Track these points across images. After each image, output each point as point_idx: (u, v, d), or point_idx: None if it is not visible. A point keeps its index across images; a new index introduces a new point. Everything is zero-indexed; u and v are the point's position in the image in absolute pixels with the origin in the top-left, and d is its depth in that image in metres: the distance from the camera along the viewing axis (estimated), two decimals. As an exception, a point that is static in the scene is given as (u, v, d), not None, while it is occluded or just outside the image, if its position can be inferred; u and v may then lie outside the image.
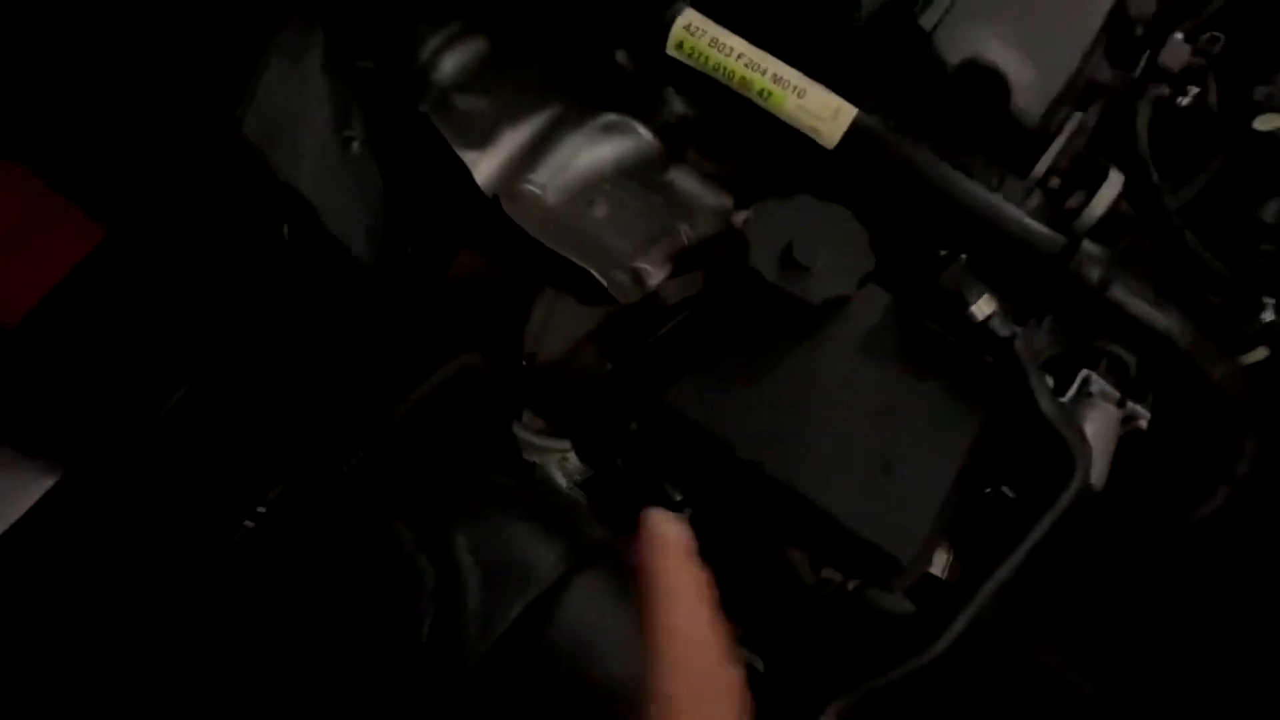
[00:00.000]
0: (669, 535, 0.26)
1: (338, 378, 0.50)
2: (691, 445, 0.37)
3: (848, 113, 0.43)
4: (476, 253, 0.63)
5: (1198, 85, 0.50)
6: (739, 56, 0.44)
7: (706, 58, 0.45)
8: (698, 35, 0.45)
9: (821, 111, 0.43)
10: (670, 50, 0.47)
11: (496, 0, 0.60)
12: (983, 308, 0.37)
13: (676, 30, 0.46)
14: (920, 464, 0.35)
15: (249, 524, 0.32)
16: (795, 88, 0.43)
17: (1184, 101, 0.49)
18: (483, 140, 0.56)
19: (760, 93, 0.44)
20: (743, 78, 0.44)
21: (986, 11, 0.44)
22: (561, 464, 0.59)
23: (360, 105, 0.67)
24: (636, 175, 0.57)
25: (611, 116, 0.57)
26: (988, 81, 0.42)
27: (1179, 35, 0.52)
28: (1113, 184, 0.42)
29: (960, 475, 0.36)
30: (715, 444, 0.37)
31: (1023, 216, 0.41)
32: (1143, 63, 0.51)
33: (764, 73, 0.44)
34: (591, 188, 0.56)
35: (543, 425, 0.59)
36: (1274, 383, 0.43)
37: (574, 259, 0.50)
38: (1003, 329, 0.37)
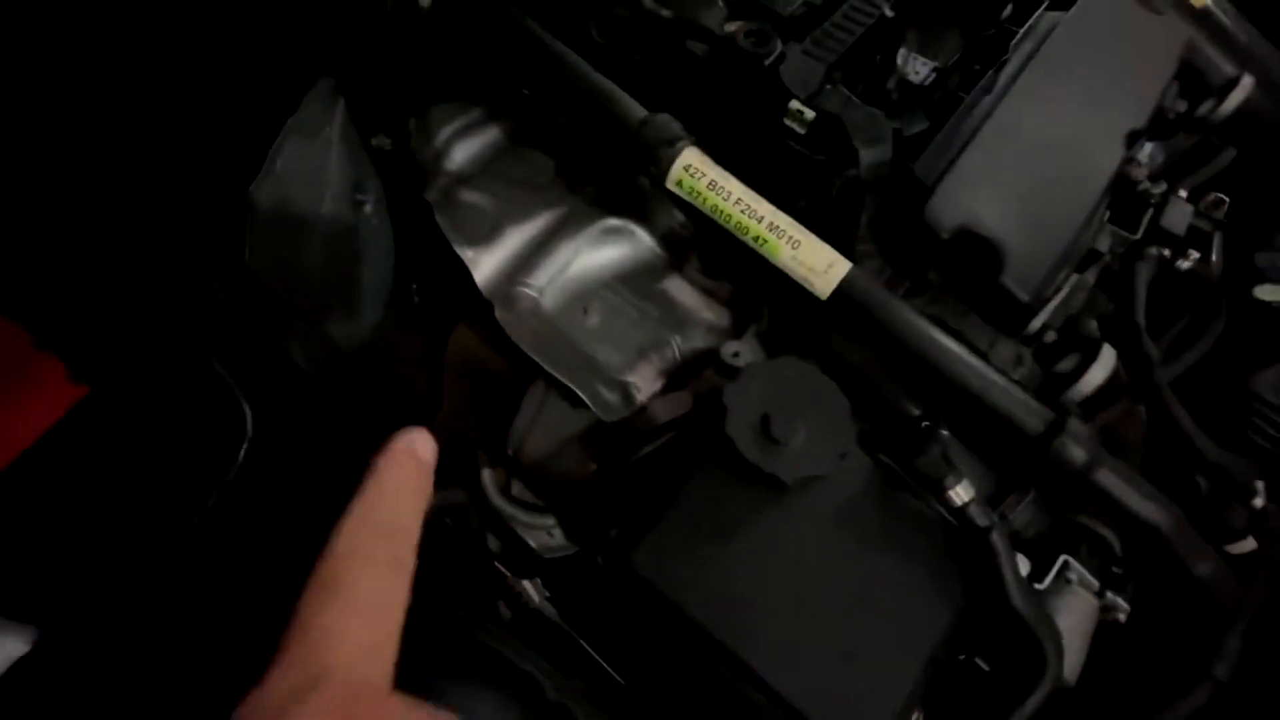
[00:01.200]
0: (411, 444, 0.26)
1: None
2: (655, 609, 0.37)
3: (840, 268, 0.43)
4: (474, 331, 0.64)
5: (1199, 249, 0.50)
6: (736, 201, 0.45)
7: (704, 199, 0.45)
8: (696, 177, 0.46)
9: (815, 264, 0.43)
10: (669, 186, 0.47)
11: (518, 97, 0.61)
12: (960, 494, 0.37)
13: (676, 170, 0.46)
14: (885, 656, 0.34)
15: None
16: (790, 238, 0.43)
17: (1185, 265, 0.49)
18: (485, 237, 0.57)
19: (755, 239, 0.44)
20: (738, 222, 0.45)
21: (985, 173, 0.44)
22: (546, 538, 0.59)
23: (374, 173, 0.68)
24: (634, 282, 0.57)
25: (615, 221, 0.57)
26: (982, 250, 0.42)
27: (1183, 194, 0.52)
28: (1103, 364, 0.42)
29: (928, 666, 0.35)
30: (678, 614, 0.36)
31: (1009, 388, 0.41)
32: (1145, 222, 0.51)
33: (760, 220, 0.44)
34: (588, 293, 0.56)
35: (531, 498, 0.59)
36: (1262, 572, 0.42)
37: (562, 378, 0.50)
38: (980, 518, 0.36)
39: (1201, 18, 0.58)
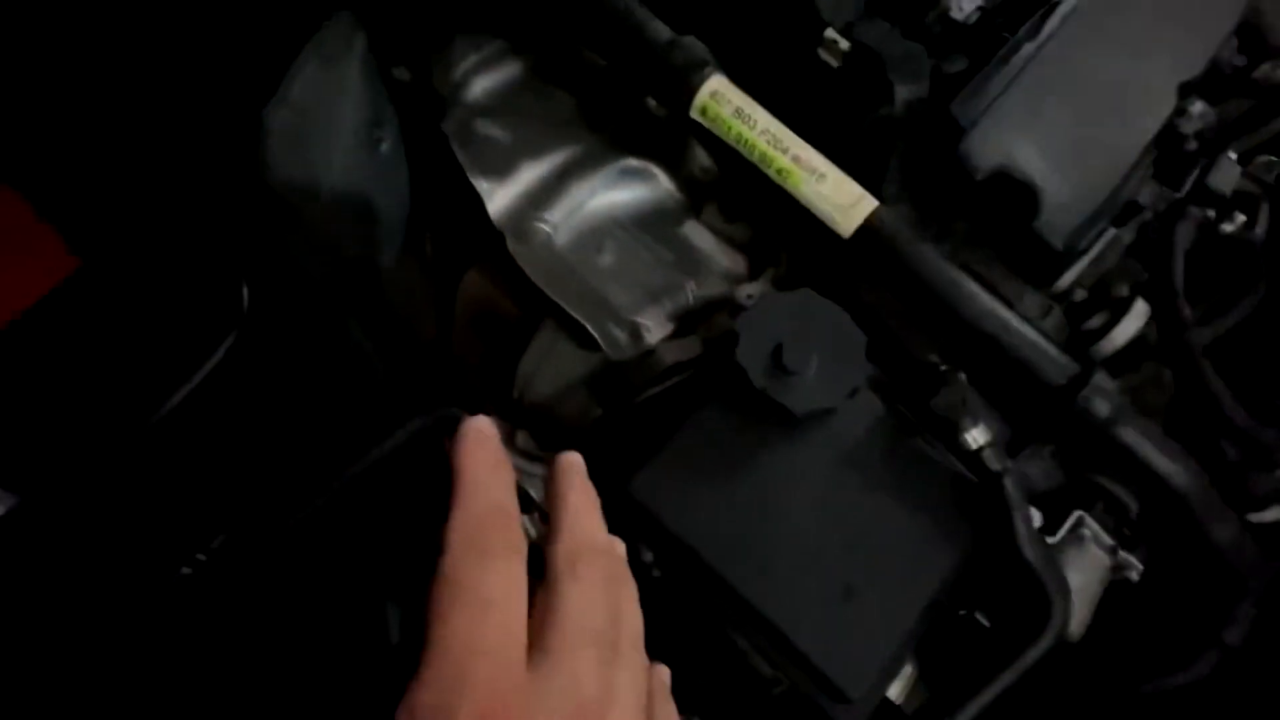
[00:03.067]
0: (479, 428, 0.28)
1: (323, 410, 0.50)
2: (653, 533, 0.36)
3: (867, 204, 0.41)
4: (485, 274, 0.63)
5: (1246, 213, 0.47)
6: (762, 131, 0.43)
7: (729, 127, 0.44)
8: (722, 103, 0.44)
9: (840, 199, 0.41)
10: (694, 114, 0.45)
11: (541, 29, 0.59)
12: (976, 437, 0.35)
13: (701, 95, 0.44)
14: (885, 595, 0.33)
15: (186, 570, 0.32)
16: (816, 171, 0.42)
17: (1229, 229, 0.46)
18: (501, 170, 0.55)
19: (779, 171, 0.43)
20: (763, 153, 0.43)
21: (1027, 115, 0.42)
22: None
23: (393, 109, 0.67)
24: (650, 225, 0.56)
25: (634, 161, 0.56)
26: (1018, 194, 0.40)
27: (1232, 156, 0.49)
28: (1135, 317, 0.40)
29: (928, 610, 0.34)
30: (675, 540, 0.35)
31: (1035, 337, 0.39)
32: (1190, 181, 0.48)
33: (785, 151, 0.42)
34: (603, 232, 0.55)
35: (534, 447, 0.58)
36: (1283, 545, 0.40)
37: (571, 311, 0.49)
38: (995, 463, 0.35)
39: (1268, -25, 0.55)
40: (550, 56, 0.60)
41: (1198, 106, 0.47)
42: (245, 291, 0.51)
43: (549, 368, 0.55)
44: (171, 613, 0.31)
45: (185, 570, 0.31)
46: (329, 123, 0.63)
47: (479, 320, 0.61)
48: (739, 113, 0.43)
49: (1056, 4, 0.47)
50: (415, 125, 0.66)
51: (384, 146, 0.67)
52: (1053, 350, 0.39)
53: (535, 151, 0.56)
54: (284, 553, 0.33)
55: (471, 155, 0.56)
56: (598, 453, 0.51)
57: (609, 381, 0.52)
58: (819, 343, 0.36)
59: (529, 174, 0.56)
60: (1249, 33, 0.54)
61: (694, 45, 0.46)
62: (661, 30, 0.47)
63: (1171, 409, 0.44)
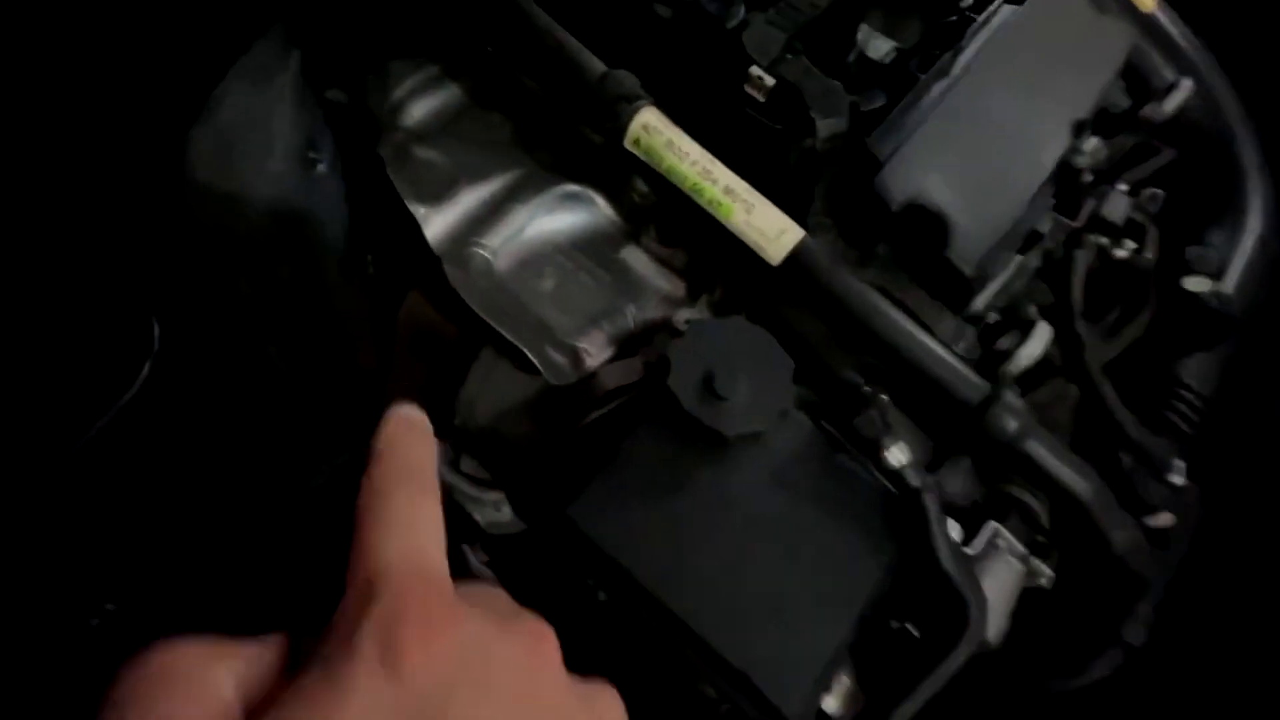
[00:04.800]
0: (404, 412, 0.27)
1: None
2: (593, 559, 0.37)
3: (793, 235, 0.43)
4: (424, 298, 0.62)
5: (1135, 240, 0.52)
6: (693, 163, 0.44)
7: (661, 159, 0.45)
8: (654, 135, 0.45)
9: (768, 230, 0.43)
10: (627, 145, 0.47)
11: (478, 54, 0.59)
12: (896, 455, 0.37)
13: (634, 128, 0.46)
14: (815, 610, 0.35)
15: (94, 621, 0.30)
16: (745, 202, 0.44)
17: (1121, 255, 0.51)
18: (438, 195, 0.55)
19: (710, 201, 0.44)
20: (694, 184, 0.44)
21: (938, 149, 0.45)
22: (493, 513, 0.58)
23: (329, 130, 0.66)
24: (590, 250, 0.56)
25: (573, 187, 0.57)
26: (930, 224, 0.43)
27: (1123, 188, 0.54)
28: (1038, 338, 0.43)
29: (859, 623, 0.36)
30: (613, 565, 0.36)
31: (949, 360, 0.42)
32: (1085, 211, 0.52)
33: (715, 182, 0.44)
34: (543, 258, 0.55)
35: (480, 472, 0.58)
36: (1176, 545, 0.44)
37: (509, 336, 0.50)
38: (914, 479, 0.37)
39: (1148, 22, 0.61)
40: (487, 81, 0.60)
41: (1090, 143, 0.52)
42: (155, 324, 0.49)
43: (490, 393, 0.55)
44: (80, 663, 0.29)
45: (93, 621, 0.30)
46: (258, 143, 0.62)
47: (419, 343, 0.61)
48: (670, 145, 0.45)
49: (963, 47, 0.50)
50: (352, 149, 0.65)
51: (320, 167, 0.66)
52: (964, 370, 0.42)
53: (473, 176, 0.56)
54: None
55: (408, 180, 0.55)
56: (543, 477, 0.51)
57: (551, 406, 0.52)
58: (748, 369, 0.38)
59: (467, 199, 0.55)
60: (1133, 74, 0.60)
61: (626, 78, 0.47)
62: (594, 63, 0.48)
63: (1076, 423, 0.47)
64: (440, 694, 0.21)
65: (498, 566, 0.53)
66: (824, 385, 0.43)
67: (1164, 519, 0.43)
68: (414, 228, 0.54)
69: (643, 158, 0.46)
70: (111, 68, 0.58)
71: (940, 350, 0.42)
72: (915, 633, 0.41)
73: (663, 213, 0.56)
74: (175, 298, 0.53)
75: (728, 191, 0.44)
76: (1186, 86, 0.57)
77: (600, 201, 0.57)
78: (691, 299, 0.55)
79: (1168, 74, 0.60)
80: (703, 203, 0.44)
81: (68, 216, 0.55)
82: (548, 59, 0.50)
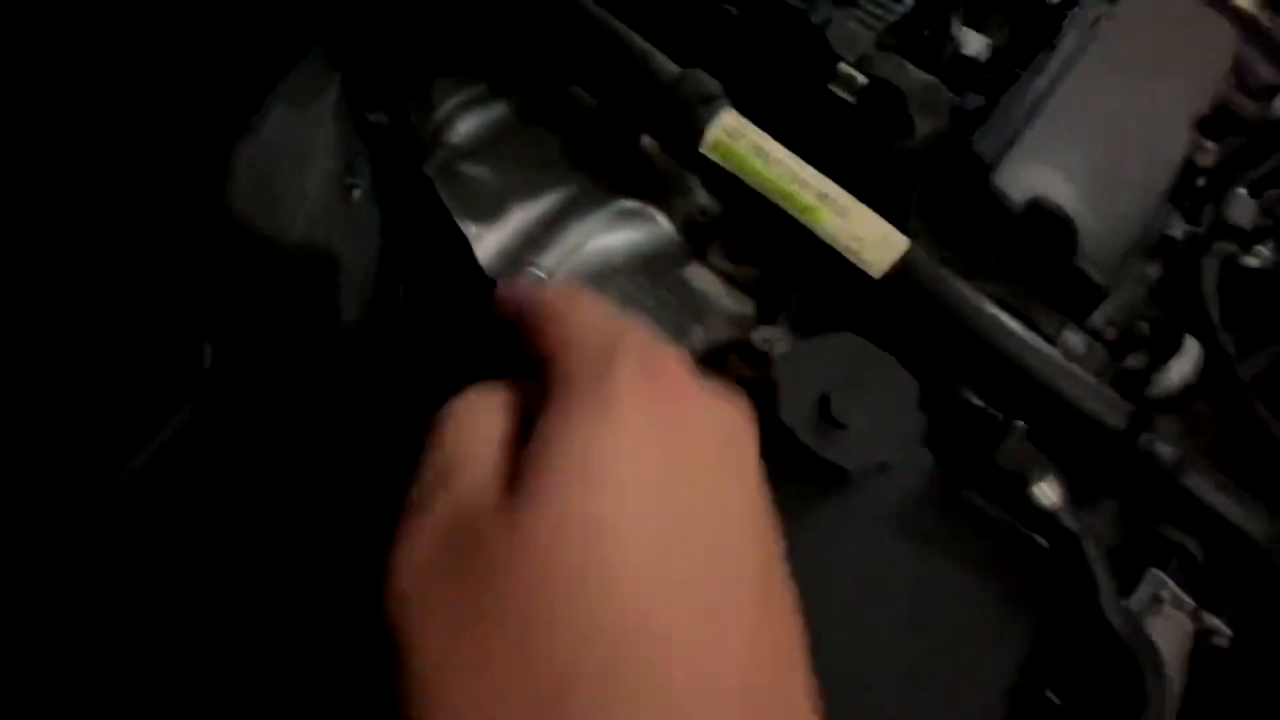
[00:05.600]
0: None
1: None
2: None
3: (897, 241, 0.38)
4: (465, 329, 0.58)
5: (1267, 245, 0.46)
6: (783, 168, 0.40)
7: (744, 163, 0.41)
8: (737, 139, 0.41)
9: (869, 237, 0.38)
10: (704, 150, 0.43)
11: (527, 68, 0.57)
12: (1048, 493, 0.32)
13: (713, 131, 0.42)
14: (958, 683, 0.29)
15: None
16: (840, 206, 0.39)
17: (1254, 263, 0.45)
18: (490, 213, 0.52)
19: (803, 209, 0.40)
20: (784, 190, 0.40)
21: (1055, 147, 0.41)
22: None
23: (367, 155, 0.63)
24: (651, 269, 0.52)
25: (630, 203, 0.53)
26: (1054, 227, 0.38)
27: (1243, 190, 0.49)
28: (1190, 353, 0.38)
29: (1006, 696, 0.30)
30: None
31: (1087, 380, 0.37)
32: (1205, 216, 0.47)
33: (808, 188, 0.40)
34: (601, 278, 0.51)
35: None
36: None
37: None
38: (1069, 521, 0.31)
39: (1247, 21, 0.57)
40: (535, 97, 0.57)
41: (1209, 141, 0.47)
42: (207, 350, 0.45)
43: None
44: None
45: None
46: (299, 165, 0.60)
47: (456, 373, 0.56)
48: (756, 148, 0.41)
49: (1059, 41, 0.46)
50: (391, 171, 0.62)
51: (356, 194, 0.63)
52: (1109, 393, 0.36)
53: (525, 194, 0.52)
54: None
55: (456, 198, 0.52)
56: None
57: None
58: (866, 390, 0.33)
59: (520, 217, 0.52)
60: (1237, 72, 0.55)
61: (703, 78, 0.43)
62: (667, 64, 0.45)
63: (1219, 450, 0.42)
64: (698, 444, 0.23)
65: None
66: (938, 410, 0.38)
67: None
68: (463, 249, 0.50)
69: (721, 163, 0.42)
70: (157, 86, 0.56)
71: (1075, 369, 0.37)
72: (1055, 700, 0.35)
73: (730, 226, 0.52)
74: (220, 321, 0.50)
75: (822, 198, 0.39)
76: (1300, 84, 0.52)
77: (660, 218, 0.53)
78: (762, 318, 0.51)
79: (1263, 73, 0.56)
80: (794, 210, 0.40)
81: (114, 237, 0.52)
82: (614, 60, 0.46)
